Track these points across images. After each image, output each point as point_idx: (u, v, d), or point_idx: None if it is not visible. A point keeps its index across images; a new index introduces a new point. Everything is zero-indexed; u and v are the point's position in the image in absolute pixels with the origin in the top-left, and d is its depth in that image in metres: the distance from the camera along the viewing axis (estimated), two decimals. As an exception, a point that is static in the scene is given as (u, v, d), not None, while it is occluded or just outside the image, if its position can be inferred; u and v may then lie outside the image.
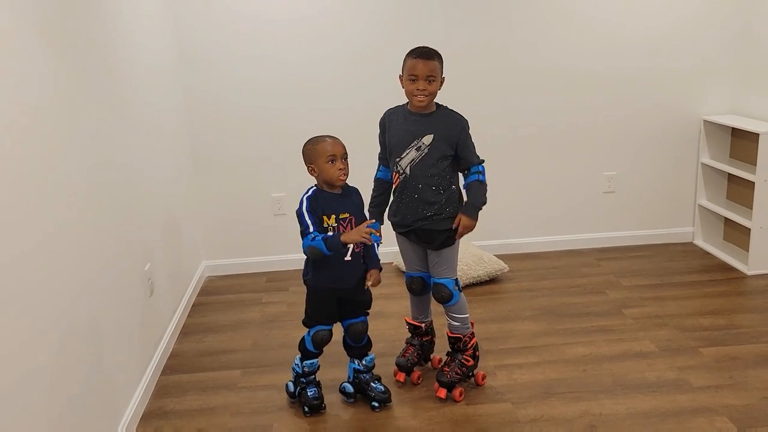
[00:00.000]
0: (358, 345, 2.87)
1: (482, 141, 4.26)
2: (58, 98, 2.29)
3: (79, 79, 2.47)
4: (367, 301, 2.84)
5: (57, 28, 2.32)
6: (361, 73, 4.13)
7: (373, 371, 2.91)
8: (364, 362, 2.88)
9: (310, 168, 2.68)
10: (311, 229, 2.61)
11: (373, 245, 2.78)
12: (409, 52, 2.72)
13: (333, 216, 2.66)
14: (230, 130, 4.19)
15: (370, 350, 2.91)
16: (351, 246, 2.64)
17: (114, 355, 2.65)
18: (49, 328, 2.11)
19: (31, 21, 2.12)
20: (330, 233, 2.62)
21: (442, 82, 2.74)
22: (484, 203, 2.82)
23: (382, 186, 2.96)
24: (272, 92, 4.14)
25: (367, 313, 2.86)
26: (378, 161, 2.98)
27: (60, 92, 2.30)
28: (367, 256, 2.80)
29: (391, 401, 2.86)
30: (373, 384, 2.87)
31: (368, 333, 2.88)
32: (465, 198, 2.88)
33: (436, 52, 2.71)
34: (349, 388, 2.90)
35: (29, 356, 1.98)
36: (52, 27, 2.28)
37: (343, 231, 2.65)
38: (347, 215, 2.69)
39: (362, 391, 2.90)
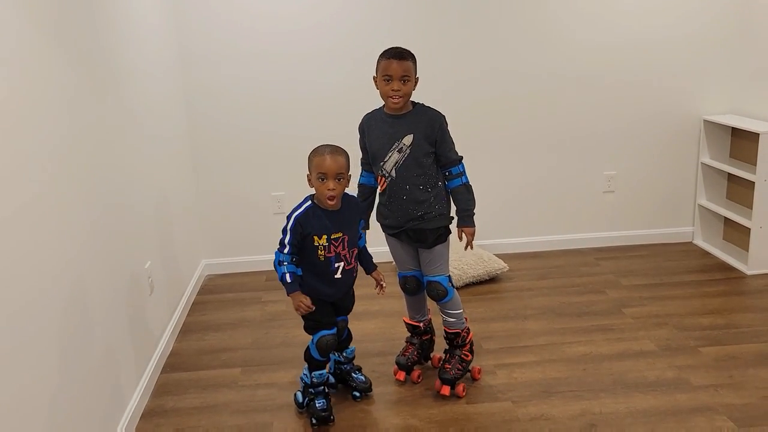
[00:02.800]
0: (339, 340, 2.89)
1: (482, 140, 4.32)
2: (58, 97, 2.28)
3: (78, 78, 2.47)
4: (350, 307, 2.88)
5: (57, 25, 2.31)
6: (361, 73, 4.11)
7: (353, 362, 2.95)
8: (344, 354, 2.93)
9: (308, 177, 2.61)
10: (287, 249, 2.59)
11: (364, 248, 2.83)
12: (383, 53, 2.70)
13: (324, 236, 2.61)
14: (230, 128, 4.18)
15: (350, 343, 2.95)
16: (341, 264, 2.65)
17: (114, 353, 2.65)
18: (49, 326, 2.11)
19: (32, 17, 2.12)
20: (289, 278, 2.58)
21: (416, 82, 2.73)
22: (475, 205, 2.84)
23: (365, 191, 2.96)
24: (273, 91, 4.14)
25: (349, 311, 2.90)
26: (360, 166, 2.95)
27: (60, 91, 2.30)
28: (365, 261, 2.84)
29: (371, 390, 2.91)
30: (354, 374, 2.93)
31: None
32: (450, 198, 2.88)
33: (410, 52, 2.70)
34: (331, 379, 2.94)
35: (29, 355, 1.98)
36: (53, 24, 2.28)
37: (335, 251, 2.63)
38: (340, 235, 2.63)
39: (344, 382, 2.95)
